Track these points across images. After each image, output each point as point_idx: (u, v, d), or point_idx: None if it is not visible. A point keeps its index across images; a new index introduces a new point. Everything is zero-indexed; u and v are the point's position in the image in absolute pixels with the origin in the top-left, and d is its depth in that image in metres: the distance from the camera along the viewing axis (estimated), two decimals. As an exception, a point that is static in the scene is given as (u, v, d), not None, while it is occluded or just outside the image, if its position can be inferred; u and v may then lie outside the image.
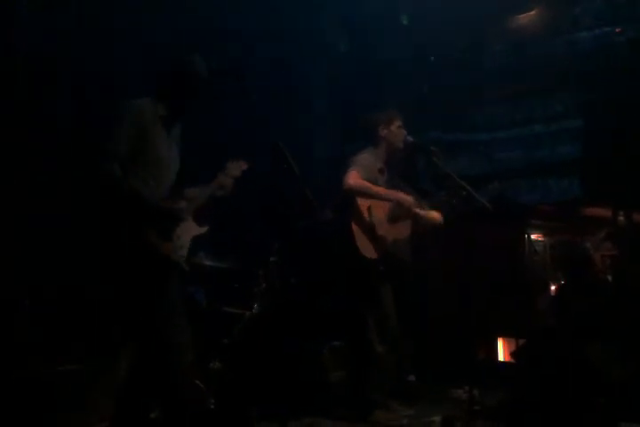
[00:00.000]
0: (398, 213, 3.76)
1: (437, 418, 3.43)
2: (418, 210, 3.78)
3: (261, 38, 4.73)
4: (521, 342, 4.17)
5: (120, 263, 2.65)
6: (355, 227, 3.66)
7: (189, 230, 2.83)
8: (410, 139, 3.79)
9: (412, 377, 4.02)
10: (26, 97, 3.69)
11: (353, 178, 3.66)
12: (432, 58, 5.42)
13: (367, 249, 3.64)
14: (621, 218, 4.59)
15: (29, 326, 3.40)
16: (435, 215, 3.84)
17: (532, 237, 4.72)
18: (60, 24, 3.81)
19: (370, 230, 3.66)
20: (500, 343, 4.70)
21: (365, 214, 3.68)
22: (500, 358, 4.64)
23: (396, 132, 3.81)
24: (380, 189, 3.75)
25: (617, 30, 4.90)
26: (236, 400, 3.35)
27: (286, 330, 3.78)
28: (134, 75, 3.76)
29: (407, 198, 3.76)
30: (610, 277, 4.15)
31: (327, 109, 5.63)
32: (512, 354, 4.25)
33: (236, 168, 2.99)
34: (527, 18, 5.31)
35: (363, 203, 3.70)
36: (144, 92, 2.80)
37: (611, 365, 3.27)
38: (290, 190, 3.12)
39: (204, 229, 2.91)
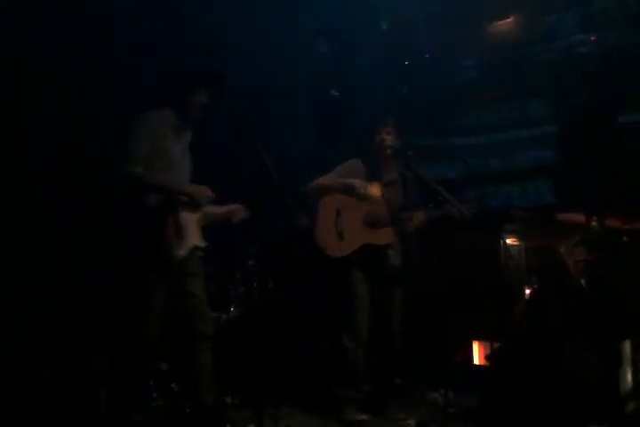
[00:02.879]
0: (375, 218, 3.79)
1: (412, 421, 3.45)
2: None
3: (240, 40, 4.74)
4: (496, 345, 4.22)
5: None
6: (320, 227, 3.75)
7: (196, 238, 3.13)
8: (392, 144, 3.83)
9: (398, 380, 4.03)
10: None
11: (313, 182, 3.82)
12: (406, 62, 5.47)
13: (334, 249, 3.72)
14: (594, 223, 4.66)
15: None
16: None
17: (508, 241, 4.78)
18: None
19: (337, 232, 3.73)
20: (476, 347, 4.73)
21: (331, 216, 3.77)
22: (476, 361, 4.68)
23: (385, 138, 3.84)
24: (334, 182, 3.81)
25: (591, 38, 4.99)
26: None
27: (264, 333, 3.78)
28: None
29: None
30: (583, 282, 4.21)
31: (306, 110, 5.64)
32: (487, 357, 4.30)
33: (240, 213, 3.39)
34: (504, 25, 5.38)
35: (329, 205, 3.79)
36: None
37: (583, 367, 3.32)
38: (269, 194, 3.13)
39: (204, 244, 3.19)
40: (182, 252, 3.01)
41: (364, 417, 3.62)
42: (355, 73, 5.59)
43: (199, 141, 3.22)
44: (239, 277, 3.80)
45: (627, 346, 3.77)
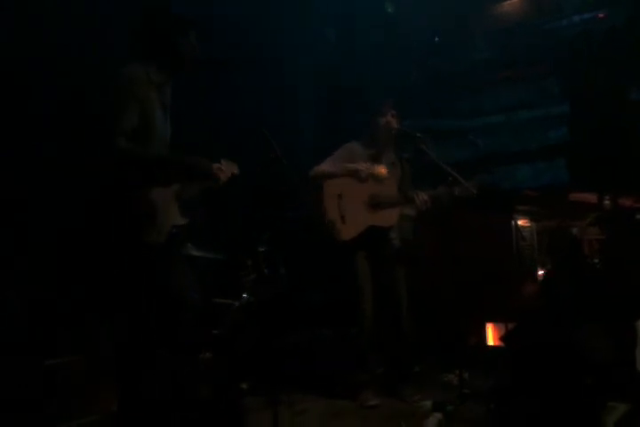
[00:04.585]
0: (378, 199, 3.79)
1: (429, 402, 3.45)
2: (367, 171, 3.78)
3: (248, 26, 4.69)
4: (510, 326, 4.21)
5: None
6: (323, 213, 3.77)
7: (173, 217, 2.69)
8: (396, 126, 3.82)
9: (416, 366, 4.04)
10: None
11: (314, 169, 3.79)
12: (436, 39, 5.38)
13: (338, 233, 3.73)
14: (607, 202, 4.63)
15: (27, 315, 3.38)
16: (380, 170, 3.82)
17: (519, 222, 4.75)
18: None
19: (340, 216, 3.73)
20: (490, 329, 4.73)
21: (334, 201, 3.77)
22: (490, 342, 4.67)
23: (390, 120, 3.83)
24: (336, 168, 3.80)
25: (600, 16, 4.92)
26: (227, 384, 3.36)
27: (275, 320, 3.79)
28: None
29: (358, 165, 3.78)
30: (597, 262, 4.18)
31: (314, 97, 5.62)
32: (501, 338, 4.29)
33: (229, 170, 2.81)
34: (511, 5, 5.32)
35: (330, 191, 3.79)
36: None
37: (597, 346, 3.30)
38: (279, 181, 3.10)
39: (184, 221, 2.75)
40: (158, 237, 2.56)
41: (379, 401, 3.64)
42: (362, 58, 5.54)
43: (205, 127, 3.10)
44: (250, 263, 3.80)
45: (642, 325, 3.75)
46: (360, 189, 3.79)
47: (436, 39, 5.44)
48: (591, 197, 4.69)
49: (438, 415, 3.21)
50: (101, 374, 3.14)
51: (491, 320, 4.70)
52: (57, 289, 3.46)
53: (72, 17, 3.68)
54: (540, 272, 4.65)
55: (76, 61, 3.66)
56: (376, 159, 3.88)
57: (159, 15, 2.70)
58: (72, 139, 3.48)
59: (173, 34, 2.67)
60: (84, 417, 3.07)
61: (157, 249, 2.58)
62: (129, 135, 2.47)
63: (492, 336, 4.69)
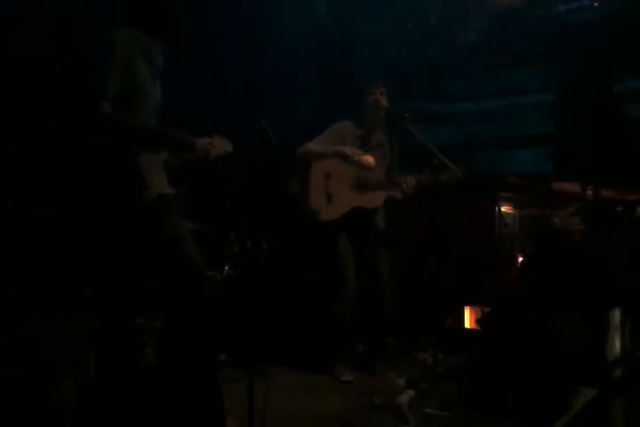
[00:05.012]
0: (365, 181, 3.81)
1: (402, 380, 3.50)
2: (355, 158, 3.79)
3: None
4: (486, 310, 4.27)
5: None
6: (309, 191, 3.80)
7: (160, 184, 2.65)
8: (385, 106, 3.83)
9: (391, 341, 4.10)
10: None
11: (303, 147, 3.80)
12: (410, 26, 5.42)
13: (323, 212, 3.76)
14: (590, 193, 4.69)
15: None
16: (367, 159, 3.84)
17: (502, 209, 4.79)
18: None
19: (327, 196, 3.75)
20: (467, 312, 4.79)
21: (321, 180, 3.80)
22: (467, 325, 4.74)
23: (378, 97, 3.84)
24: (325, 149, 3.81)
25: (595, 4, 4.93)
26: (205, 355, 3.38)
27: (256, 294, 3.81)
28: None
29: (347, 149, 3.79)
30: (576, 252, 4.24)
31: (311, 80, 5.61)
32: (477, 321, 4.35)
33: (221, 147, 2.79)
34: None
35: (319, 170, 3.81)
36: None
37: (571, 332, 3.37)
38: (268, 161, 3.09)
39: (171, 190, 2.71)
40: (144, 201, 2.53)
41: (354, 376, 3.70)
42: (355, 39, 5.52)
43: (196, 107, 3.04)
44: (233, 237, 3.82)
45: (616, 314, 3.82)
46: (348, 171, 3.81)
47: (432, 19, 5.41)
48: (574, 188, 4.74)
49: (411, 392, 3.26)
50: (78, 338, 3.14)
51: (469, 303, 4.77)
52: (42, 248, 3.45)
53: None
54: (520, 259, 4.70)
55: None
56: (366, 140, 3.89)
57: None
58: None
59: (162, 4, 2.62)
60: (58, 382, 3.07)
61: (146, 213, 2.56)
62: (113, 99, 2.42)
63: (469, 319, 4.76)
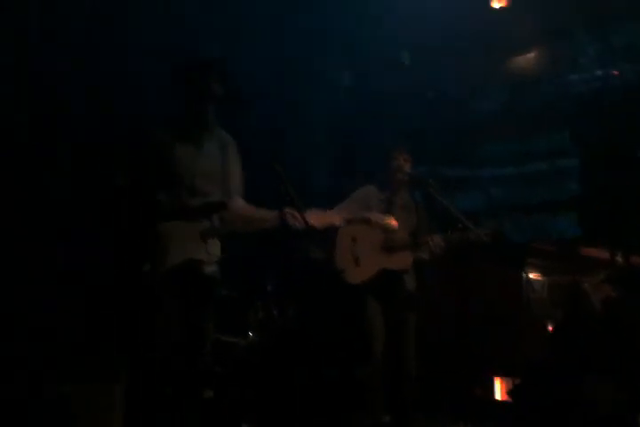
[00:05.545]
0: (392, 243, 3.81)
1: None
2: (379, 222, 3.80)
3: (263, 67, 4.82)
4: (517, 381, 4.14)
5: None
6: (337, 256, 3.81)
7: (191, 251, 2.72)
8: (408, 170, 3.89)
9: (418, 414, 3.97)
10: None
11: None
12: (429, 93, 5.56)
13: (351, 275, 3.74)
14: (619, 259, 4.62)
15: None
16: (391, 222, 3.81)
17: (530, 275, 4.74)
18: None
19: (354, 259, 3.76)
20: (498, 382, 4.65)
21: (347, 244, 3.81)
22: (497, 396, 4.59)
23: (402, 164, 3.90)
24: (349, 215, 3.76)
25: (614, 73, 5.02)
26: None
27: (281, 360, 3.77)
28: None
29: (371, 215, 3.79)
30: (608, 319, 4.15)
31: (327, 141, 5.73)
32: (509, 392, 4.22)
33: (318, 220, 2.80)
34: (526, 59, 5.46)
35: (345, 234, 3.83)
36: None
37: (605, 396, 3.26)
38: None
39: (206, 257, 2.78)
40: (162, 268, 2.61)
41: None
42: (376, 104, 5.67)
43: None
44: (258, 302, 3.81)
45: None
46: (374, 233, 3.82)
47: (451, 88, 5.55)
48: (603, 253, 4.68)
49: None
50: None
51: (499, 374, 4.64)
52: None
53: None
54: (550, 327, 4.60)
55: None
56: (390, 203, 3.92)
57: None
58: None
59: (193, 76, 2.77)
60: None
61: (166, 279, 2.61)
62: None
63: (499, 390, 4.61)
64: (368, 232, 3.82)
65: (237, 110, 3.08)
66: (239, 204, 2.90)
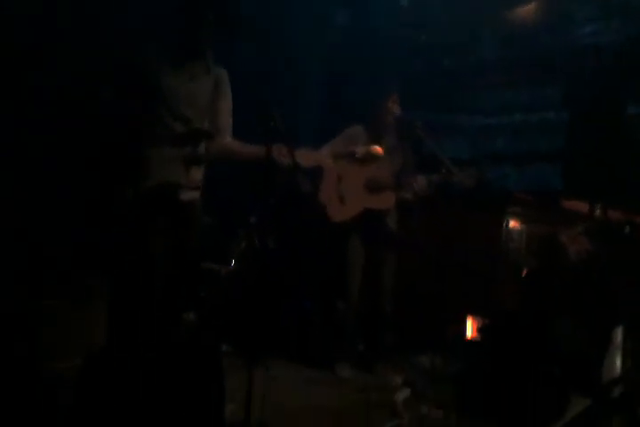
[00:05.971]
0: (377, 182, 3.89)
1: (399, 378, 3.55)
2: (363, 152, 3.87)
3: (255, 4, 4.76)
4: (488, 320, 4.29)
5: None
6: (322, 193, 3.91)
7: (172, 175, 2.77)
8: (397, 112, 3.93)
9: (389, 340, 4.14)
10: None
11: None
12: (422, 37, 5.54)
13: (335, 213, 3.86)
14: (598, 213, 4.71)
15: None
16: (376, 149, 3.89)
17: (510, 224, 4.83)
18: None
19: (339, 197, 3.86)
20: (470, 322, 4.80)
21: (333, 182, 3.92)
22: (469, 335, 4.75)
23: (391, 104, 3.94)
24: (334, 152, 3.87)
25: (610, 29, 5.01)
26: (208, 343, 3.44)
27: (261, 289, 3.87)
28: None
29: (354, 148, 3.88)
30: (582, 270, 4.27)
31: (317, 82, 5.72)
32: (478, 330, 4.38)
33: (307, 159, 2.88)
34: (524, 11, 5.43)
35: (332, 172, 3.93)
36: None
37: (569, 338, 3.41)
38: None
39: (187, 181, 2.83)
40: (144, 188, 2.66)
41: (353, 374, 3.75)
42: (368, 45, 5.65)
43: None
44: (241, 232, 3.90)
45: (618, 333, 3.84)
46: (359, 172, 3.90)
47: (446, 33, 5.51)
48: (583, 206, 4.76)
49: (407, 391, 3.31)
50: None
51: (472, 314, 4.78)
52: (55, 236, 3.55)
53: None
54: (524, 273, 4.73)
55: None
56: (376, 143, 3.98)
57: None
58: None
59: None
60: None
61: (145, 202, 2.69)
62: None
63: (471, 329, 4.77)
64: (353, 171, 3.89)
65: (233, 39, 3.09)
66: (227, 140, 2.95)
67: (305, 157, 2.86)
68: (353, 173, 3.90)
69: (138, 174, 2.70)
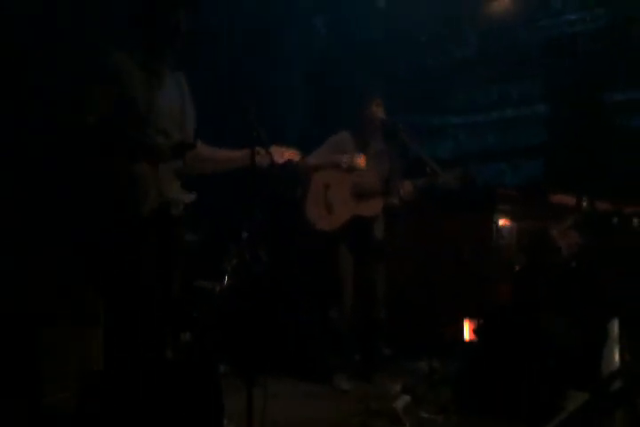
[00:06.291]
0: (364, 189, 3.89)
1: (398, 385, 3.56)
2: (347, 162, 3.86)
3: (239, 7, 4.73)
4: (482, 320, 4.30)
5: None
6: (310, 202, 3.88)
7: (169, 191, 2.69)
8: (381, 116, 3.93)
9: (387, 350, 4.16)
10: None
11: (303, 161, 3.84)
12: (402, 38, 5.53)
13: (323, 222, 3.84)
14: (585, 205, 4.73)
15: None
16: (359, 161, 3.87)
17: (500, 221, 4.85)
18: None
19: (327, 206, 3.84)
20: (467, 324, 4.81)
21: (320, 191, 3.89)
22: (466, 337, 4.76)
23: (375, 109, 3.94)
24: (321, 161, 3.90)
25: (587, 18, 5.02)
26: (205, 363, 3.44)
27: (255, 304, 3.87)
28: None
29: (340, 157, 3.87)
30: (574, 264, 4.28)
31: (301, 86, 5.72)
32: (474, 331, 4.39)
33: (280, 156, 2.83)
34: (501, 4, 5.43)
35: (318, 181, 3.91)
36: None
37: (562, 334, 3.42)
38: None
39: (190, 198, 2.79)
40: (145, 208, 2.58)
41: (351, 385, 3.75)
42: (350, 51, 5.65)
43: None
44: (233, 248, 3.90)
45: (614, 325, 3.85)
46: (346, 180, 3.90)
47: (426, 34, 5.51)
48: (571, 200, 4.79)
49: (406, 397, 3.31)
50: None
51: (468, 316, 4.80)
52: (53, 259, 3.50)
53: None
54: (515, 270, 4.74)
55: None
56: (363, 149, 3.98)
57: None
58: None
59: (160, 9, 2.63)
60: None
61: (145, 221, 2.61)
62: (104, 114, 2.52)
63: (468, 331, 4.78)
64: (340, 179, 3.89)
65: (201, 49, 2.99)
66: (202, 146, 2.87)
67: (278, 154, 2.83)
68: (339, 181, 3.90)
69: (137, 195, 2.62)
